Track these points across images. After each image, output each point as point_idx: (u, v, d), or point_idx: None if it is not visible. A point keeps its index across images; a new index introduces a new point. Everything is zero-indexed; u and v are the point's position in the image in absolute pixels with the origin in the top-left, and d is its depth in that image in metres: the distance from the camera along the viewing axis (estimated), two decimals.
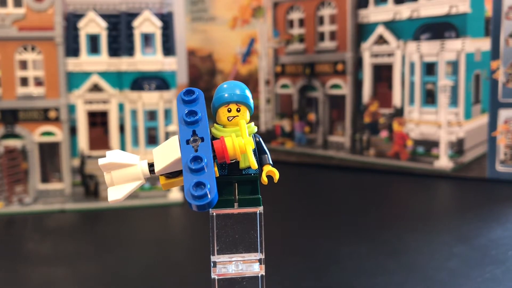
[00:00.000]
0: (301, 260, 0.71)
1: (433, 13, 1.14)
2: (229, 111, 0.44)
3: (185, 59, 1.54)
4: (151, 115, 1.01)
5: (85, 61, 1.00)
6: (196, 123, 0.41)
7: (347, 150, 1.29)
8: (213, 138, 0.43)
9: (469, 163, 1.13)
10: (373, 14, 1.23)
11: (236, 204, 0.45)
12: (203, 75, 1.53)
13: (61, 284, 0.67)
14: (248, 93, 0.44)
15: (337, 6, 1.28)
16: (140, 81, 1.01)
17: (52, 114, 0.99)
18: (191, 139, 0.40)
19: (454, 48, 1.12)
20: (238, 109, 0.44)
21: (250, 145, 0.41)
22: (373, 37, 1.23)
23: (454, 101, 1.13)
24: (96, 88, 1.01)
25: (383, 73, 1.24)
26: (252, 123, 0.45)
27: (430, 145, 1.17)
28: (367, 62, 1.25)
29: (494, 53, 1.09)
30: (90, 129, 1.02)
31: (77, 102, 1.00)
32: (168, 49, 1.02)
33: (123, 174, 0.41)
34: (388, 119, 1.23)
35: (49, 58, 0.98)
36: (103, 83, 1.01)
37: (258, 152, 0.45)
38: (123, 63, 1.01)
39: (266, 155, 0.45)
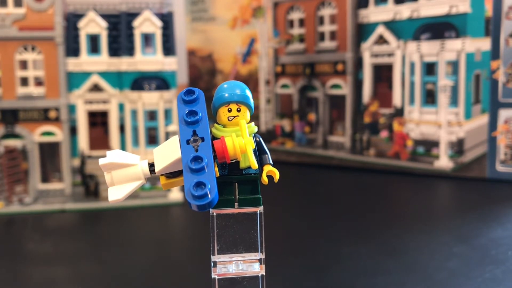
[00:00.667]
0: (301, 260, 0.71)
1: (433, 13, 1.14)
2: (230, 111, 0.44)
3: (185, 59, 1.54)
4: (151, 115, 1.01)
5: (85, 61, 1.00)
6: (196, 123, 0.41)
7: (347, 150, 1.29)
8: (214, 138, 0.43)
9: (469, 163, 1.13)
10: (373, 14, 1.23)
11: (236, 204, 0.45)
12: (203, 75, 1.53)
13: (61, 284, 0.67)
14: (248, 93, 0.44)
15: (337, 6, 1.28)
16: (140, 81, 1.01)
17: (52, 114, 0.99)
18: (192, 139, 0.40)
19: (454, 48, 1.12)
20: (239, 109, 0.44)
21: (251, 145, 0.41)
22: (373, 37, 1.23)
23: (454, 101, 1.13)
24: (96, 88, 1.01)
25: (383, 73, 1.24)
26: (253, 123, 0.45)
27: (430, 145, 1.17)
28: (367, 62, 1.25)
29: (494, 53, 1.09)
30: (90, 129, 1.02)
31: (77, 102, 1.00)
32: (168, 49, 1.03)
33: (123, 174, 0.41)
34: (388, 119, 1.23)
35: (49, 58, 0.98)
36: (103, 83, 1.01)
37: (259, 152, 0.45)
38: (123, 63, 1.01)
39: (267, 155, 0.45)
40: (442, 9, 1.13)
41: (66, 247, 0.80)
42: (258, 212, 0.44)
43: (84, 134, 1.01)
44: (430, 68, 1.16)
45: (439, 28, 1.14)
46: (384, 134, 1.24)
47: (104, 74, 1.01)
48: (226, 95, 0.44)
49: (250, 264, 0.44)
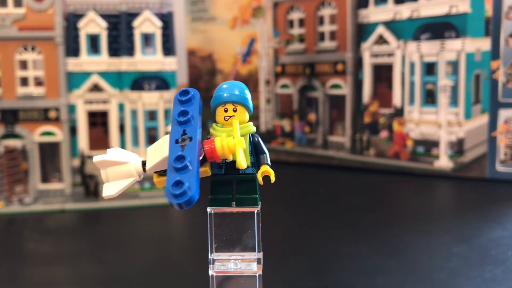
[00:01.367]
0: (301, 260, 0.71)
1: (433, 13, 1.14)
2: (226, 111, 0.44)
3: (185, 59, 1.54)
4: (151, 115, 1.01)
5: (85, 61, 1.00)
6: (186, 122, 0.41)
7: (347, 150, 1.29)
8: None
9: (469, 163, 1.13)
10: (373, 14, 1.23)
11: (233, 203, 0.45)
12: (203, 75, 1.53)
13: (61, 284, 0.67)
14: (246, 93, 0.44)
15: (337, 6, 1.28)
16: (140, 81, 1.01)
17: (52, 114, 0.99)
18: (180, 138, 0.40)
19: (454, 48, 1.12)
20: (235, 109, 0.44)
21: (241, 145, 0.41)
22: (373, 37, 1.23)
23: (454, 101, 1.13)
24: (96, 88, 1.01)
25: (383, 73, 1.24)
26: (250, 123, 0.45)
27: (430, 145, 1.17)
28: (367, 62, 1.25)
29: (494, 53, 1.09)
30: (90, 129, 1.02)
31: (77, 102, 1.00)
32: (168, 49, 1.03)
33: (117, 171, 0.42)
34: (388, 119, 1.23)
35: (49, 58, 0.98)
36: (103, 83, 1.01)
37: (257, 152, 0.45)
38: (123, 63, 1.01)
39: (265, 155, 0.45)
40: (442, 9, 1.13)
41: (66, 247, 0.80)
42: (255, 212, 0.44)
43: (84, 134, 1.01)
44: (430, 68, 1.16)
45: (439, 28, 1.14)
46: (384, 134, 1.24)
47: (104, 74, 1.01)
48: (224, 95, 0.44)
49: (248, 264, 0.45)
